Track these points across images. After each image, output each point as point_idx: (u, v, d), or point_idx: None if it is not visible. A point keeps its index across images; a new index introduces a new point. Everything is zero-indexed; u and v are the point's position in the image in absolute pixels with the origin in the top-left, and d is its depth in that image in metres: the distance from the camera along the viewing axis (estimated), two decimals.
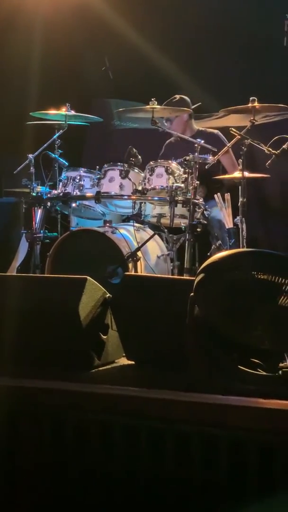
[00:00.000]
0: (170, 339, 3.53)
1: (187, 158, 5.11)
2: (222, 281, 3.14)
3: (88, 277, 3.65)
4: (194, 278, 3.44)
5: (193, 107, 5.90)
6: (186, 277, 4.89)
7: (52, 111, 5.67)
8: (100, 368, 3.68)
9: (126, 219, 5.87)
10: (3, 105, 6.65)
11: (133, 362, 3.79)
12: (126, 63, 7.29)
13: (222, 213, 5.44)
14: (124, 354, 3.83)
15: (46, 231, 5.68)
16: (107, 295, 3.74)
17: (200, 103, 6.00)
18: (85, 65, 7.58)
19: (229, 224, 5.41)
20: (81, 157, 7.29)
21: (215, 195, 5.46)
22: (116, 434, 3.17)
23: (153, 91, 6.97)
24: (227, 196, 5.44)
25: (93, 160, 6.36)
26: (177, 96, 5.91)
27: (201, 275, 3.15)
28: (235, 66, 7.05)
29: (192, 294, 3.17)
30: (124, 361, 3.83)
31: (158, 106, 5.28)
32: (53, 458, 3.28)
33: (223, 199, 5.44)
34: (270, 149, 5.05)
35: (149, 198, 5.24)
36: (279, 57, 6.55)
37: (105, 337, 3.73)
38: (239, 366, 3.15)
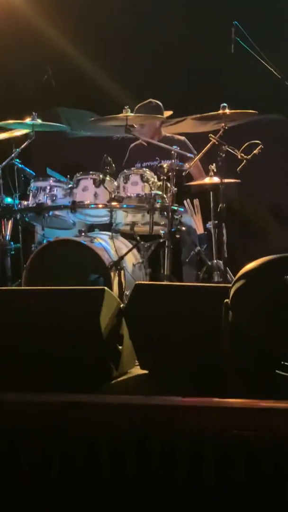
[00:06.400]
0: (184, 347, 3.55)
1: (164, 165, 5.12)
2: (261, 288, 3.18)
3: (106, 288, 3.61)
4: (200, 284, 3.47)
5: (165, 116, 5.90)
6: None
7: (16, 121, 5.54)
8: (119, 379, 3.66)
9: (90, 227, 5.81)
10: None
11: (147, 371, 3.78)
12: (67, 72, 7.25)
13: (193, 219, 5.51)
14: (137, 363, 3.82)
15: (12, 242, 5.58)
16: (121, 305, 3.72)
17: (172, 112, 6.02)
18: (22, 75, 7.45)
19: (200, 229, 5.50)
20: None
21: (184, 201, 5.52)
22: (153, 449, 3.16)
23: (97, 99, 7.01)
24: (196, 202, 5.53)
25: (44, 170, 6.28)
26: (153, 101, 5.87)
27: (240, 282, 3.18)
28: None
29: (227, 300, 3.20)
30: (137, 370, 3.82)
31: (132, 114, 5.25)
32: (87, 474, 3.25)
33: (192, 205, 5.52)
34: (243, 155, 5.12)
35: (125, 206, 5.21)
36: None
37: (120, 347, 3.71)
38: (277, 371, 3.19)
